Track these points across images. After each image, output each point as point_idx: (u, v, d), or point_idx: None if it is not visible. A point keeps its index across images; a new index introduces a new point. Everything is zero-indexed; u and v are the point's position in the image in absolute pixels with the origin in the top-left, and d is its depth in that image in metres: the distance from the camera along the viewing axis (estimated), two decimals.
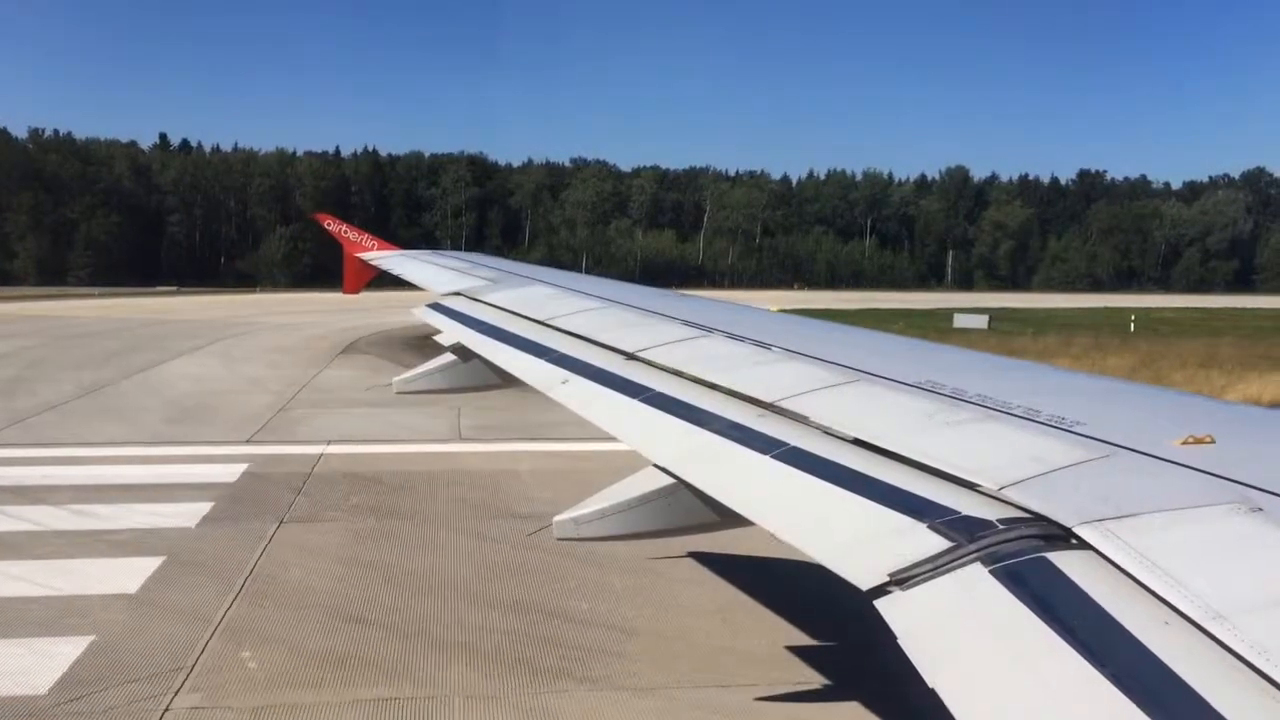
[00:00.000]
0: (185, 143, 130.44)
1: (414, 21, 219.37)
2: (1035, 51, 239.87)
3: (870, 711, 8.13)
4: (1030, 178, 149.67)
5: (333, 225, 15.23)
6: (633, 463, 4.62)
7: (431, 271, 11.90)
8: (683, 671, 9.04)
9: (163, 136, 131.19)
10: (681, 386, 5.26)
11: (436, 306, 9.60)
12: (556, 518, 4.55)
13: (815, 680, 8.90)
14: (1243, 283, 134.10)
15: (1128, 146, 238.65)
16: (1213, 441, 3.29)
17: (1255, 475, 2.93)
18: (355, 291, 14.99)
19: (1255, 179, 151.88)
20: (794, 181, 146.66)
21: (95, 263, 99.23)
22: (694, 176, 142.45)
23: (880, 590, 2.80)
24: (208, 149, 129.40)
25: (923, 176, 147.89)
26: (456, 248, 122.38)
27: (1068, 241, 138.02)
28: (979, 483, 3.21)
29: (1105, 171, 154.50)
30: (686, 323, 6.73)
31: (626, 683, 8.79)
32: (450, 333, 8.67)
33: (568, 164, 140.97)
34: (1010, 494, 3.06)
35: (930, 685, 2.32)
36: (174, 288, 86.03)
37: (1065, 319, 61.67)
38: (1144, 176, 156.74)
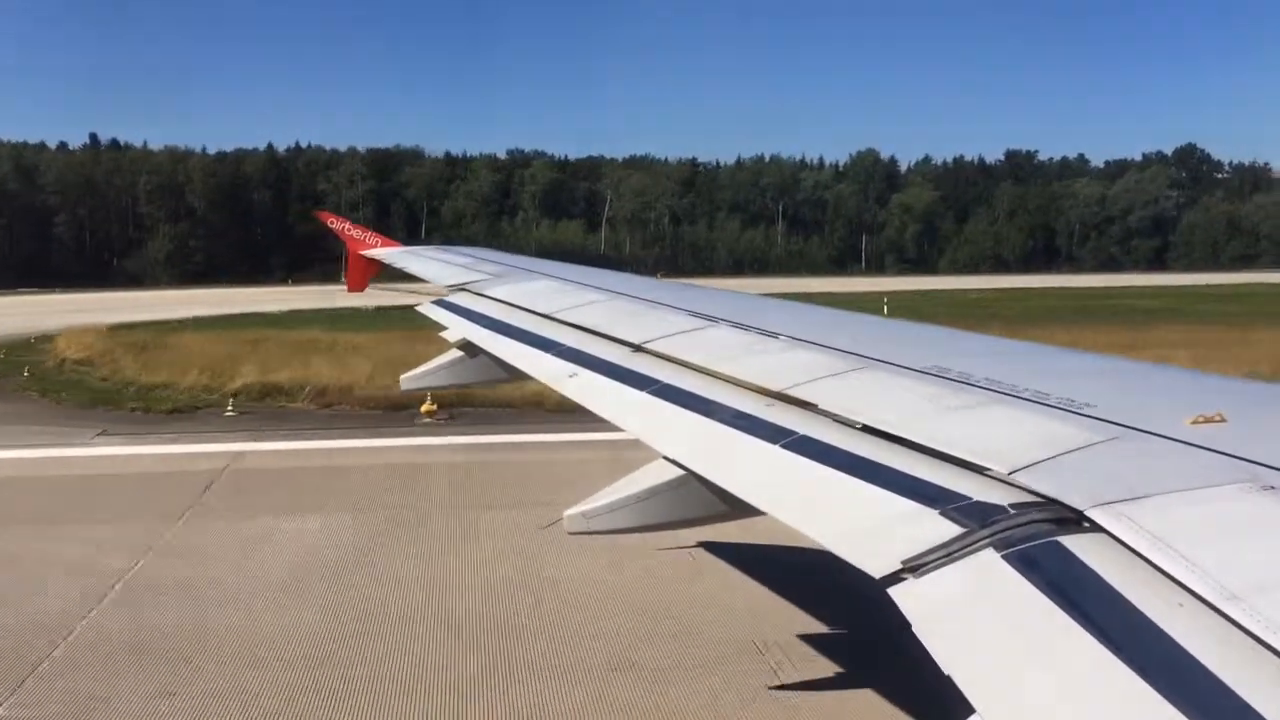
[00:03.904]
0: (115, 142, 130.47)
1: (377, 19, 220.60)
2: (969, 33, 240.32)
3: (885, 699, 8.14)
4: (966, 159, 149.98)
5: (335, 223, 15.22)
6: None
7: (435, 267, 11.88)
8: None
9: (93, 137, 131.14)
10: (689, 377, 5.25)
11: (441, 302, 9.59)
12: (567, 511, 4.54)
13: (829, 668, 8.91)
14: (1159, 261, 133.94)
15: (1064, 128, 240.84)
16: (1223, 420, 3.28)
17: (1267, 453, 2.92)
18: (360, 288, 14.97)
19: (1188, 155, 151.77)
20: (718, 167, 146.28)
21: None
22: (596, 164, 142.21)
23: (893, 577, 2.79)
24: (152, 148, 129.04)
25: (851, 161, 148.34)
26: None
27: (975, 223, 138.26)
28: (990, 467, 3.20)
29: (1036, 152, 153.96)
30: (692, 313, 6.71)
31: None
32: (456, 328, 8.66)
33: (503, 155, 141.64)
34: (1021, 478, 3.05)
35: (945, 672, 2.32)
36: (35, 289, 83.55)
37: (861, 303, 59.84)
38: (1082, 155, 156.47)
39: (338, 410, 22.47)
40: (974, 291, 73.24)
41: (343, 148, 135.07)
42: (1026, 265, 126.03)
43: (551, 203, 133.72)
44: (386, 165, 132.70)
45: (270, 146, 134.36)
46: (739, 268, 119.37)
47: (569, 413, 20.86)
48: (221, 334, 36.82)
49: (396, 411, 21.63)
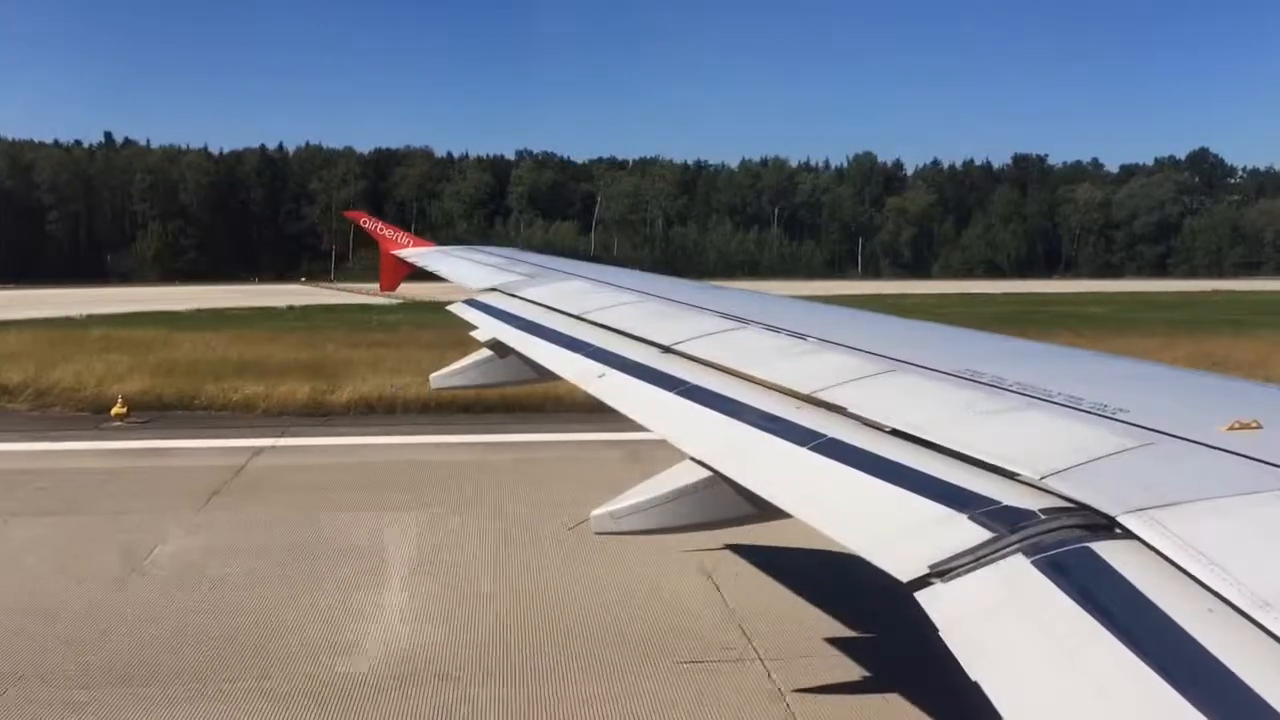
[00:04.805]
0: (128, 141, 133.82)
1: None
2: (983, 36, 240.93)
3: (911, 704, 8.09)
4: (977, 163, 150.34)
5: (368, 223, 15.35)
6: None
7: (467, 267, 11.94)
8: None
9: (107, 135, 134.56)
10: (718, 379, 5.24)
11: (473, 302, 9.65)
12: (594, 512, 4.55)
13: (855, 672, 8.88)
14: (1163, 267, 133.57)
15: (1081, 132, 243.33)
16: (1259, 427, 3.23)
17: None
18: (393, 288, 15.12)
19: (1199, 160, 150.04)
20: (720, 169, 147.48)
21: None
22: (593, 167, 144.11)
23: (921, 582, 2.78)
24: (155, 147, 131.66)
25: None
26: (345, 244, 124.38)
27: (973, 228, 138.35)
28: (1020, 472, 3.18)
29: (1045, 156, 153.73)
30: (723, 315, 6.71)
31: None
32: (486, 328, 8.71)
33: (511, 156, 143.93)
34: (1052, 483, 3.03)
35: (973, 678, 2.31)
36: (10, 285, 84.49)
37: None
38: (1097, 160, 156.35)
39: (49, 411, 21.55)
40: (925, 297, 71.38)
41: (340, 147, 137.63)
42: (1022, 271, 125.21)
43: (548, 204, 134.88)
44: (384, 165, 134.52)
45: (270, 147, 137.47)
46: (730, 271, 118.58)
47: (277, 416, 20.65)
48: (64, 332, 35.98)
49: (99, 414, 20.85)
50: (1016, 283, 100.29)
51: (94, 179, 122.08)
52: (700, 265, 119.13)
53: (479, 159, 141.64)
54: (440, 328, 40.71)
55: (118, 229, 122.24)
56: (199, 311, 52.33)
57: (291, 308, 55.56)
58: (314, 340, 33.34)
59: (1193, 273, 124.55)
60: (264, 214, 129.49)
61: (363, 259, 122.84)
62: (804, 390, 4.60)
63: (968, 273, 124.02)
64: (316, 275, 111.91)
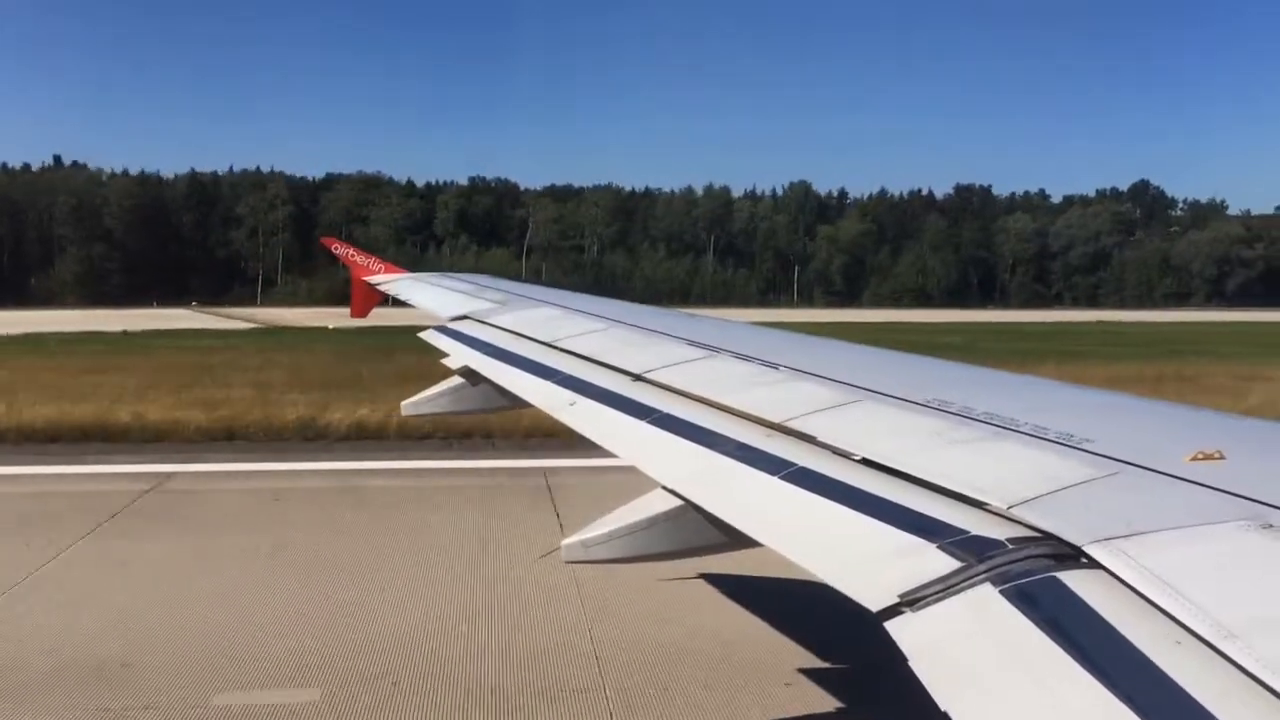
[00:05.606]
0: (75, 163, 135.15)
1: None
2: (934, 70, 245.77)
3: None
4: (924, 193, 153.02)
5: (339, 249, 15.26)
6: None
7: (438, 294, 11.91)
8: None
9: (56, 159, 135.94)
10: (689, 407, 5.25)
11: (444, 329, 9.63)
12: (565, 541, 4.53)
13: (827, 703, 8.85)
14: (1093, 298, 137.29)
15: (1030, 164, 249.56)
16: (1222, 457, 3.27)
17: (1266, 491, 2.91)
18: (363, 315, 14.98)
19: (1140, 192, 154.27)
20: (655, 195, 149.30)
21: None
22: (525, 193, 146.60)
23: (891, 611, 2.78)
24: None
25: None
26: (271, 269, 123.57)
27: (905, 256, 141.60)
28: (988, 502, 3.20)
29: (989, 186, 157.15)
30: (693, 343, 6.72)
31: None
32: (457, 355, 8.68)
33: (464, 182, 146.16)
34: (1019, 513, 3.05)
35: (943, 709, 2.31)
36: None
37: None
38: (1043, 191, 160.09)
39: None
40: (796, 326, 69.72)
41: (288, 172, 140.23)
42: (952, 300, 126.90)
43: (483, 230, 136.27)
44: (315, 189, 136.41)
45: (222, 171, 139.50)
46: (659, 299, 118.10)
47: None
48: None
49: None
50: (921, 312, 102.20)
51: (19, 202, 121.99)
52: (629, 293, 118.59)
53: (427, 185, 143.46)
54: (208, 352, 39.75)
55: (44, 252, 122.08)
56: (25, 335, 49.95)
57: (125, 332, 53.76)
58: (54, 364, 32.58)
59: (1122, 303, 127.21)
60: (194, 238, 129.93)
61: (288, 284, 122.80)
62: (774, 419, 4.61)
63: (895, 301, 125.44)
64: (245, 300, 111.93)
